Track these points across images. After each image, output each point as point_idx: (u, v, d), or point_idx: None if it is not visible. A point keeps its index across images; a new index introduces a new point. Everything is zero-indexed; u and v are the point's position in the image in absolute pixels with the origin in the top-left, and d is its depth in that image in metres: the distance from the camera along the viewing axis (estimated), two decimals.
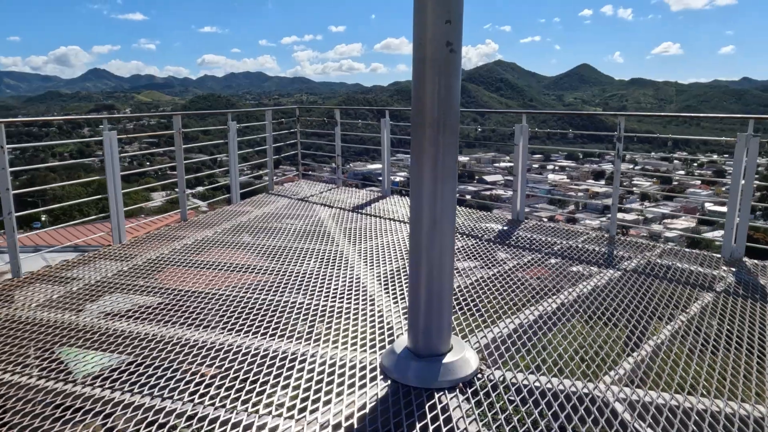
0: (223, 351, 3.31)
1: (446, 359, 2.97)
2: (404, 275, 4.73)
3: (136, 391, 2.87)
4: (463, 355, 3.02)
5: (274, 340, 3.47)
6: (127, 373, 3.06)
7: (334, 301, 4.15)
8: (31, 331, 3.69)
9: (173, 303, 4.14)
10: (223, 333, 3.59)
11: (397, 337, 3.46)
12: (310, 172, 10.82)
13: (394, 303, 4.09)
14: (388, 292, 4.33)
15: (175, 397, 2.80)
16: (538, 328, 3.69)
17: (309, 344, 3.40)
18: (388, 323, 3.71)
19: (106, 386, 2.92)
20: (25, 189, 5.91)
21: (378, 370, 3.06)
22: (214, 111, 25.07)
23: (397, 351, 3.08)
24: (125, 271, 4.94)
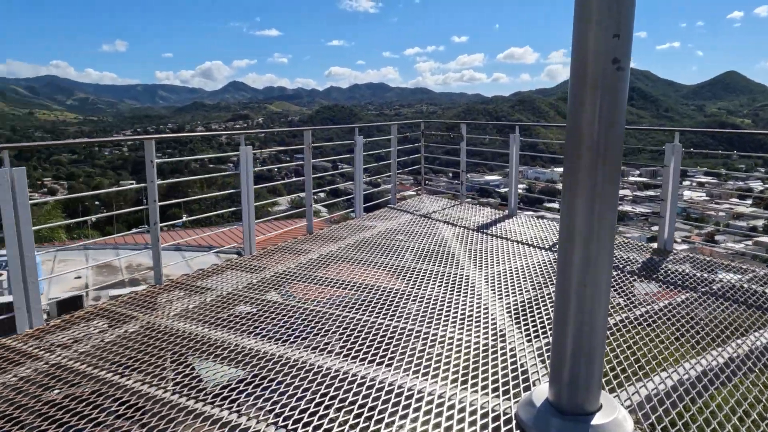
0: (346, 381, 3.17)
1: (595, 420, 2.58)
2: (536, 308, 4.34)
3: (252, 415, 2.84)
4: (615, 417, 2.61)
5: (399, 373, 3.27)
6: (245, 394, 3.05)
7: (461, 333, 3.88)
8: (167, 341, 3.83)
9: (297, 321, 4.12)
10: (341, 358, 3.47)
11: (533, 383, 3.12)
12: (430, 180, 10.70)
13: (528, 341, 3.73)
14: (519, 327, 3.97)
15: (289, 427, 2.72)
16: (702, 388, 3.15)
17: (436, 381, 3.17)
18: (521, 365, 3.37)
19: (224, 407, 2.93)
20: (170, 201, 6.31)
21: (513, 422, 2.75)
22: (342, 125, 26.09)
23: (536, 403, 2.75)
24: (254, 284, 5.05)
